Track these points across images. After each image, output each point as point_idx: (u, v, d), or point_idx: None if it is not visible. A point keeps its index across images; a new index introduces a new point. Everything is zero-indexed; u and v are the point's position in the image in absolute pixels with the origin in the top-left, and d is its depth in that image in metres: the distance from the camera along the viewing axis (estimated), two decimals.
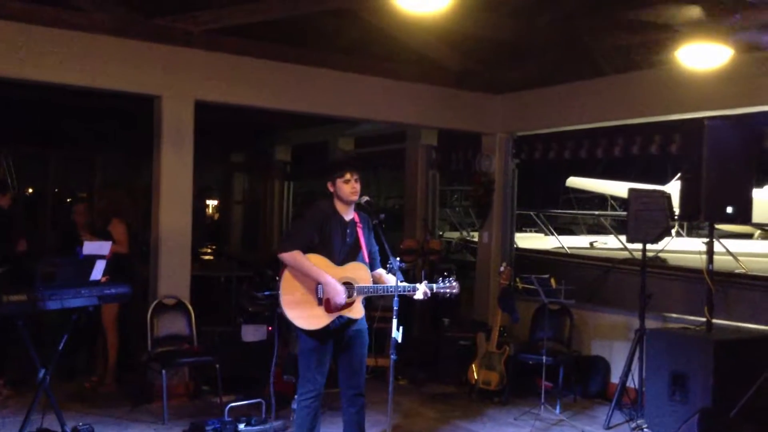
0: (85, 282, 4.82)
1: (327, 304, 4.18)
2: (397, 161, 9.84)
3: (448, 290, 4.30)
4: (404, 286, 4.21)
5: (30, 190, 12.64)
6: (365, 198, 4.35)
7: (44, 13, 5.57)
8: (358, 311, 4.27)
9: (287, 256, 4.20)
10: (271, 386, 5.24)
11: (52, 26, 5.60)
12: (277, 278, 6.89)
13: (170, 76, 6.17)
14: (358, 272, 4.26)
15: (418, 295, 4.24)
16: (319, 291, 4.17)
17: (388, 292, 4.15)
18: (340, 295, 4.15)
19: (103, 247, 5.21)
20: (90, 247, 5.17)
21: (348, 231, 4.32)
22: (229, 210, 13.92)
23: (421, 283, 4.28)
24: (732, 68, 5.55)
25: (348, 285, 4.21)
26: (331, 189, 4.35)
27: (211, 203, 15.04)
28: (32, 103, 8.89)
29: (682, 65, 5.51)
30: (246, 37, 6.46)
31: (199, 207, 12.09)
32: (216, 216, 15.10)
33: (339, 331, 4.26)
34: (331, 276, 4.16)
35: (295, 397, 5.60)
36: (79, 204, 7.03)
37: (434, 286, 4.29)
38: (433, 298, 4.37)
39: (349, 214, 4.37)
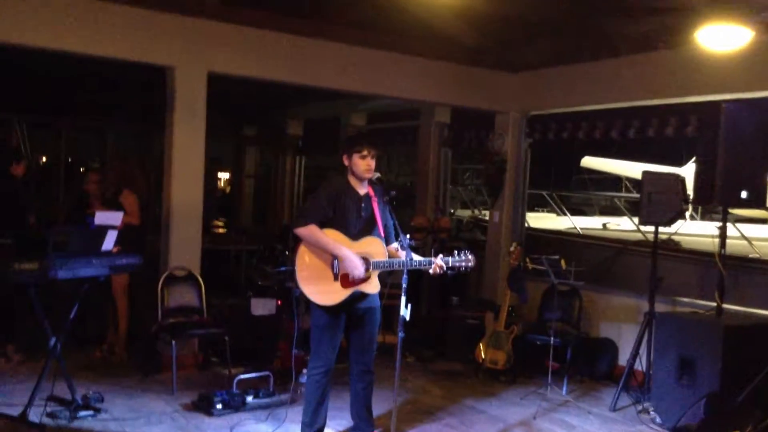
0: (97, 252, 4.85)
1: (343, 279, 4.18)
2: (410, 138, 9.79)
3: (464, 263, 4.30)
4: (420, 260, 4.21)
5: (43, 159, 12.68)
6: (376, 175, 4.33)
7: None
8: (374, 286, 4.27)
9: (303, 231, 4.19)
10: (292, 359, 5.25)
11: None
12: (287, 252, 6.97)
13: (184, 47, 6.14)
14: (374, 247, 4.25)
15: (433, 269, 4.24)
16: (335, 266, 4.17)
17: (403, 266, 4.12)
18: (358, 268, 4.14)
19: (115, 218, 5.24)
20: (102, 217, 5.20)
21: (363, 205, 4.31)
22: (241, 183, 13.93)
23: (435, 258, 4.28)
24: (751, 51, 5.46)
25: (364, 260, 4.20)
26: (346, 163, 4.34)
27: (223, 176, 15.07)
28: (45, 71, 8.88)
29: (700, 47, 5.43)
30: (260, 9, 6.40)
31: (210, 180, 12.10)
32: (227, 189, 15.13)
33: (353, 307, 4.26)
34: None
35: (304, 370, 5.67)
36: (93, 173, 7.04)
37: (450, 259, 4.28)
38: (444, 275, 4.37)
39: (363, 189, 4.36)
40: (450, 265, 4.28)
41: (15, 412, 4.73)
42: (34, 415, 4.72)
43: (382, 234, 4.30)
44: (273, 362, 6.36)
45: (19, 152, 7.44)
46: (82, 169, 13.25)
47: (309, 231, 4.19)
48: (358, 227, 4.26)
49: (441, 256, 4.31)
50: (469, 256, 4.31)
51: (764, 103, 5.90)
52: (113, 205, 6.21)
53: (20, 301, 5.89)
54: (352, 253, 4.15)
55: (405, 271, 4.06)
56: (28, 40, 5.54)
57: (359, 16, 7.01)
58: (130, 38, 5.90)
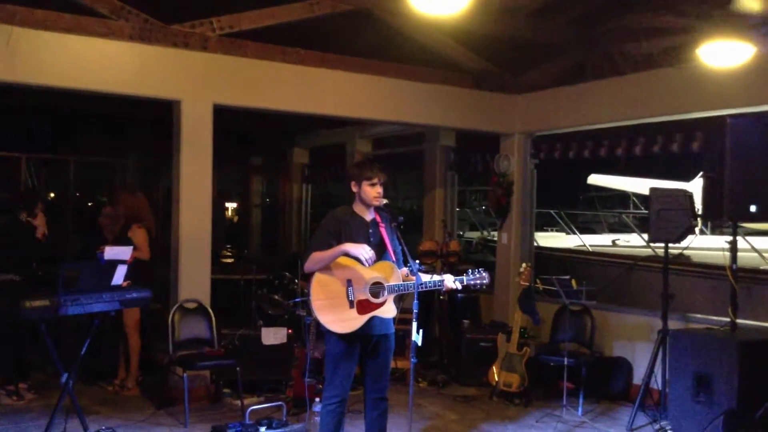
0: (107, 287, 4.86)
1: (359, 306, 4.16)
2: (416, 163, 9.82)
3: (478, 281, 4.29)
4: (433, 281, 4.21)
5: (51, 195, 12.77)
6: (384, 201, 4.34)
7: (63, 20, 5.62)
8: (389, 311, 4.25)
9: (308, 264, 4.20)
10: (305, 388, 5.22)
11: (72, 33, 5.65)
12: (297, 281, 6.96)
13: (189, 80, 6.21)
14: (387, 271, 4.24)
15: (450, 283, 4.24)
16: (350, 293, 4.16)
17: (418, 288, 4.09)
18: (364, 248, 4.11)
19: (124, 252, 5.25)
20: (111, 252, 5.21)
21: (371, 231, 4.31)
22: (248, 213, 13.97)
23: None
24: (753, 65, 5.47)
25: (378, 285, 4.19)
26: (355, 189, 4.34)
27: (230, 206, 15.12)
28: (50, 109, 8.98)
29: (703, 63, 5.45)
30: (264, 40, 6.49)
31: (218, 210, 12.16)
32: (235, 219, 15.17)
33: (368, 334, 4.23)
34: (359, 275, 4.15)
35: (316, 399, 5.65)
36: (107, 207, 7.07)
37: (464, 278, 4.27)
38: (454, 294, 4.36)
39: (369, 215, 4.36)
40: (465, 284, 4.27)
41: None
42: None
43: (393, 258, 4.30)
44: (285, 392, 6.33)
45: (36, 192, 7.47)
46: (90, 204, 13.33)
47: (312, 260, 4.19)
48: (369, 265, 4.24)
49: (452, 276, 4.30)
50: (483, 274, 4.30)
51: None
52: (122, 240, 6.23)
53: (31, 337, 5.90)
54: (351, 243, 4.13)
55: (416, 296, 4.04)
56: (33, 80, 5.60)
57: (363, 44, 7.10)
58: (136, 74, 5.96)
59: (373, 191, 4.28)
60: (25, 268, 6.29)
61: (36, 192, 7.94)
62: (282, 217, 12.77)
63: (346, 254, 4.16)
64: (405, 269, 4.35)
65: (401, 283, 4.22)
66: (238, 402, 6.03)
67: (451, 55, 7.40)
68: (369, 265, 4.14)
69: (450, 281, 4.26)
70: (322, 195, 13.21)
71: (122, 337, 6.52)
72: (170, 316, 6.12)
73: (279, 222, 12.89)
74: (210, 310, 6.30)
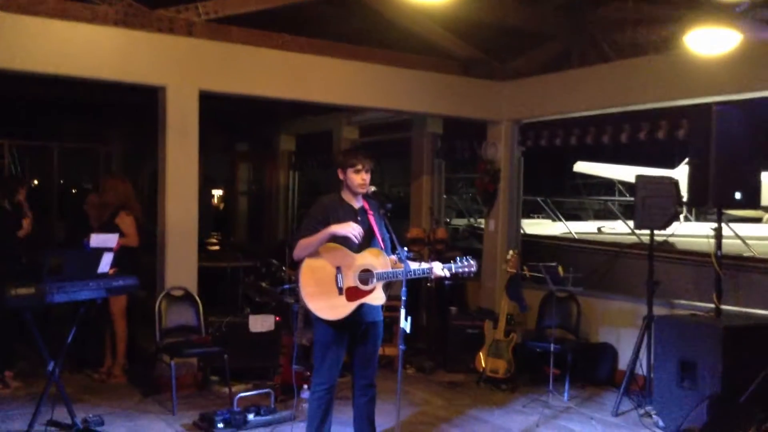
0: (93, 274, 4.83)
1: (348, 293, 4.16)
2: (402, 150, 9.81)
3: (466, 269, 4.30)
4: (422, 269, 4.21)
5: (35, 182, 12.66)
6: (372, 188, 4.34)
7: (47, 5, 5.55)
8: (378, 298, 4.25)
9: (296, 251, 4.19)
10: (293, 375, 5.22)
11: (56, 18, 5.58)
12: (284, 268, 6.96)
13: (174, 66, 6.15)
14: (376, 258, 4.23)
15: (438, 271, 4.24)
16: (339, 280, 4.16)
17: (406, 275, 4.10)
18: (351, 225, 4.10)
19: (110, 240, 5.23)
20: (97, 240, 5.18)
21: (359, 219, 4.30)
22: (234, 200, 13.93)
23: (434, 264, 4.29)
24: (740, 53, 5.49)
25: (367, 272, 4.19)
26: (342, 177, 4.33)
27: (216, 193, 15.05)
28: (35, 95, 8.89)
29: (690, 50, 5.46)
30: (250, 26, 6.44)
31: (204, 197, 12.10)
32: (221, 206, 15.11)
33: (357, 321, 4.24)
34: (348, 262, 4.15)
35: (304, 386, 5.65)
36: (92, 195, 7.01)
37: (452, 266, 4.28)
38: (442, 281, 4.38)
39: (357, 202, 4.35)
40: (453, 272, 4.28)
41: None
42: None
43: (382, 246, 4.30)
44: (273, 379, 6.34)
45: (19, 178, 7.41)
46: (74, 191, 13.23)
47: (299, 246, 4.18)
48: (357, 241, 4.25)
49: (441, 264, 4.31)
50: (471, 262, 4.31)
51: (754, 104, 5.95)
52: (110, 227, 6.18)
53: (16, 325, 5.86)
54: (336, 225, 4.12)
55: (404, 283, 4.05)
56: (17, 66, 5.53)
57: (349, 30, 7.07)
58: (121, 60, 5.90)
59: (357, 178, 4.27)
60: (10, 256, 6.24)
61: (18, 178, 7.84)
62: (268, 204, 12.74)
63: (334, 236, 4.15)
64: (393, 256, 4.35)
65: (390, 270, 4.22)
66: (226, 389, 6.03)
67: (439, 41, 7.39)
68: (358, 240, 4.14)
69: (438, 269, 4.27)
70: (308, 182, 13.17)
71: (109, 324, 6.48)
72: (157, 303, 6.10)
73: (265, 209, 12.86)
74: (197, 298, 6.28)
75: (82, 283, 4.68)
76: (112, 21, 5.82)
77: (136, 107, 8.13)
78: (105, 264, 4.93)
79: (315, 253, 4.19)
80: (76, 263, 4.81)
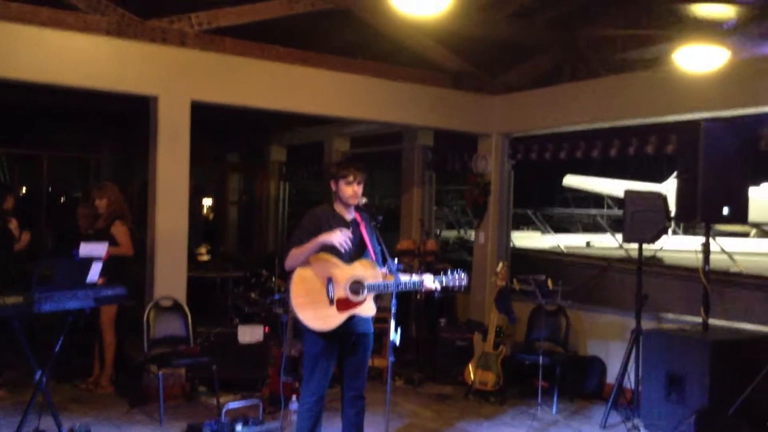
0: (82, 284, 4.81)
1: (339, 304, 4.17)
2: (393, 162, 9.84)
3: (457, 282, 4.31)
4: (412, 281, 4.22)
5: (23, 190, 12.62)
6: (363, 200, 4.35)
7: (40, 14, 5.55)
8: (369, 309, 4.26)
9: (288, 261, 4.20)
10: (281, 386, 5.21)
11: (49, 27, 5.58)
12: (274, 279, 6.95)
13: (166, 76, 6.16)
14: (367, 270, 4.24)
15: (429, 284, 4.25)
16: (329, 291, 4.16)
17: (397, 288, 4.11)
18: (336, 233, 4.10)
19: (99, 249, 5.20)
20: (86, 249, 5.16)
21: (351, 230, 4.31)
22: (225, 210, 13.90)
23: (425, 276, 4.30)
24: (728, 70, 5.57)
25: (358, 283, 4.20)
26: (334, 188, 4.35)
27: (207, 203, 15.02)
28: (26, 104, 8.86)
29: (678, 67, 5.53)
30: (242, 37, 6.46)
31: (194, 207, 12.07)
32: (211, 216, 15.07)
33: (347, 332, 4.24)
34: (340, 273, 4.16)
35: (293, 397, 5.64)
36: (83, 207, 6.96)
37: (444, 278, 4.29)
38: (432, 294, 4.40)
39: (349, 214, 4.37)
40: (444, 284, 4.29)
41: None
42: None
43: (374, 257, 4.31)
44: (262, 390, 6.31)
45: (7, 185, 7.38)
46: (62, 199, 13.18)
47: (290, 256, 4.19)
48: (349, 252, 4.26)
49: (432, 276, 4.31)
50: (462, 275, 4.32)
51: (742, 120, 6.02)
52: (105, 237, 6.15)
53: (4, 334, 5.82)
54: (326, 234, 4.12)
55: (394, 294, 4.06)
56: (8, 74, 5.53)
57: (341, 43, 7.11)
58: (113, 69, 5.91)
59: (349, 190, 4.29)
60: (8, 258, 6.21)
61: (5, 185, 7.78)
62: (259, 214, 12.72)
63: (325, 247, 4.15)
64: (384, 269, 4.36)
65: (381, 282, 4.23)
66: (214, 400, 6.00)
67: (430, 54, 7.43)
68: (346, 248, 4.14)
69: (429, 282, 4.28)
70: (299, 193, 13.17)
71: (97, 334, 6.45)
72: (146, 313, 6.07)
73: (256, 219, 12.84)
74: (186, 308, 6.26)
75: (70, 292, 4.65)
76: (105, 31, 5.83)
77: (128, 116, 8.12)
78: (94, 273, 4.91)
79: (306, 264, 4.20)
80: (65, 272, 4.78)
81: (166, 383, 5.81)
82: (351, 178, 4.28)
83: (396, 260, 4.28)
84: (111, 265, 5.70)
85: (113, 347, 6.44)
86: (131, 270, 6.64)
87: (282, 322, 6.03)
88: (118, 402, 6.10)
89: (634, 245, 6.21)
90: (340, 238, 4.11)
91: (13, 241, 6.42)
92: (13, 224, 6.46)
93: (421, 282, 4.25)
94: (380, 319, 4.62)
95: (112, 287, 4.98)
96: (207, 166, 13.26)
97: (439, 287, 4.28)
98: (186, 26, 6.15)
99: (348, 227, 4.30)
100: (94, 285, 4.89)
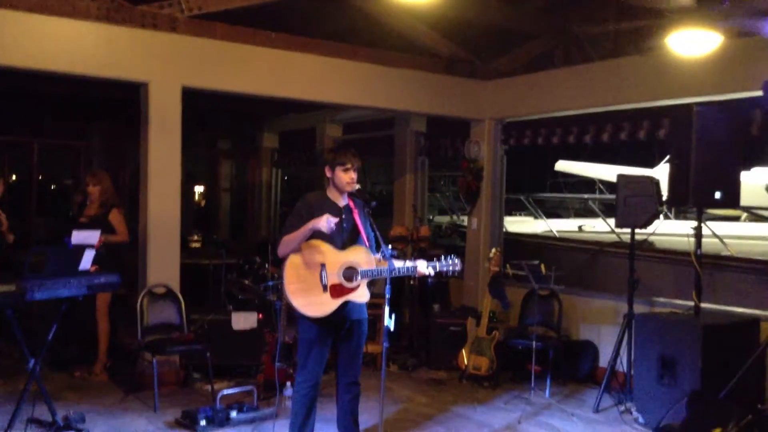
0: (74, 272, 4.79)
1: (332, 290, 4.17)
2: (386, 148, 9.81)
3: (450, 267, 4.31)
4: (406, 267, 4.22)
5: (13, 177, 12.53)
6: (357, 186, 4.34)
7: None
8: (363, 295, 4.26)
9: (280, 248, 4.21)
10: (275, 373, 5.22)
11: (36, 12, 5.52)
12: (267, 265, 6.94)
13: (157, 62, 6.11)
14: (360, 256, 4.24)
15: (423, 269, 4.24)
16: (323, 277, 4.16)
17: (391, 273, 4.10)
18: (328, 218, 4.08)
19: (92, 237, 5.18)
20: (79, 237, 5.13)
21: (343, 216, 4.31)
22: (217, 197, 13.85)
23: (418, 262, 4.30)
24: (721, 54, 5.56)
25: (351, 269, 4.20)
26: (329, 174, 4.34)
27: (198, 190, 14.96)
28: (14, 90, 8.78)
29: (671, 51, 5.52)
30: (233, 22, 6.41)
31: (186, 194, 12.03)
32: (203, 203, 15.03)
33: (341, 318, 4.24)
34: (333, 260, 4.16)
35: (287, 384, 5.66)
36: (79, 194, 6.93)
37: (437, 264, 4.29)
38: (425, 279, 4.41)
39: (342, 201, 4.36)
40: (438, 270, 4.29)
41: None
42: None
43: (367, 244, 4.31)
44: (256, 376, 6.33)
45: None
46: (53, 187, 13.10)
47: (283, 243, 4.20)
48: (342, 238, 4.26)
49: (426, 262, 4.32)
50: (456, 260, 4.33)
51: (735, 105, 6.02)
52: (103, 225, 6.13)
53: None
54: (317, 219, 4.10)
55: (388, 281, 4.06)
56: (6, 61, 5.47)
57: (333, 28, 7.07)
58: (103, 55, 5.85)
59: (346, 177, 4.28)
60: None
61: None
62: (251, 201, 12.69)
63: (319, 233, 4.15)
64: (378, 255, 4.36)
65: (374, 268, 4.23)
66: (209, 387, 6.01)
67: (423, 40, 7.40)
68: (331, 229, 4.12)
69: (423, 267, 4.28)
70: (291, 179, 13.13)
71: (93, 321, 6.42)
72: (139, 301, 6.07)
73: (248, 206, 12.81)
74: (179, 295, 6.25)
75: (63, 280, 4.64)
76: (94, 16, 5.77)
77: (118, 103, 8.06)
78: (86, 261, 4.89)
79: (299, 250, 4.19)
80: (58, 260, 4.77)
81: (160, 370, 5.81)
82: (348, 165, 4.27)
83: (390, 246, 4.28)
84: (106, 253, 5.68)
85: (107, 334, 6.44)
86: (125, 257, 6.63)
87: (276, 309, 6.03)
88: (113, 389, 6.10)
89: (626, 230, 6.23)
90: (327, 223, 4.09)
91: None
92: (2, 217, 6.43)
93: (415, 267, 4.26)
94: (374, 305, 4.63)
95: (104, 275, 4.97)
96: (199, 153, 13.20)
97: (432, 272, 4.29)
98: (176, 11, 6.10)
99: (341, 214, 4.30)
100: (86, 272, 4.88)
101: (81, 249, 4.90)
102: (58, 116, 10.86)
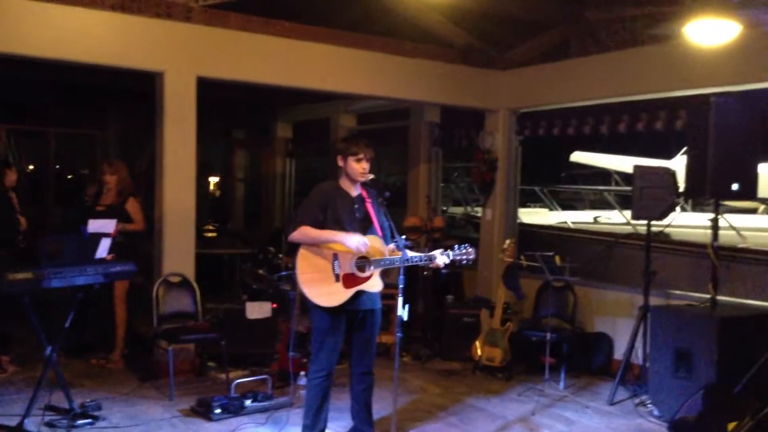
0: (91, 260, 4.83)
1: (345, 280, 4.18)
2: (400, 138, 9.79)
3: (464, 256, 4.31)
4: (420, 256, 4.22)
5: (30, 167, 12.63)
6: (370, 176, 4.34)
7: None
8: (375, 285, 4.26)
9: (296, 234, 4.20)
10: (290, 362, 5.25)
11: (53, 2, 5.55)
12: (281, 255, 6.96)
13: (172, 52, 6.13)
14: (374, 246, 4.25)
15: (440, 261, 4.25)
16: (335, 267, 4.16)
17: (404, 263, 4.11)
18: (361, 240, 4.11)
19: (108, 225, 5.23)
20: (95, 225, 5.18)
21: (356, 206, 4.31)
22: (231, 187, 13.90)
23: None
24: (739, 44, 5.49)
25: (363, 259, 4.20)
26: (341, 164, 4.34)
27: (213, 180, 15.02)
28: (32, 80, 8.84)
29: (688, 41, 5.45)
30: (248, 12, 6.41)
31: (201, 184, 12.08)
32: (218, 193, 15.08)
33: (354, 308, 4.25)
34: (346, 250, 4.16)
35: (301, 373, 5.68)
36: (90, 186, 6.99)
37: (451, 253, 4.29)
38: (439, 270, 4.41)
39: (355, 190, 4.36)
40: (451, 258, 4.29)
41: (12, 422, 4.70)
42: (32, 425, 4.71)
43: (380, 233, 4.30)
44: (270, 365, 6.36)
45: (8, 161, 7.38)
46: (69, 177, 13.19)
47: (301, 232, 4.19)
48: (354, 228, 4.26)
49: (441, 250, 4.31)
50: (470, 249, 4.32)
51: (753, 95, 5.95)
52: (120, 214, 6.18)
53: (14, 310, 5.86)
54: (345, 233, 4.13)
55: (401, 271, 4.06)
56: (14, 50, 5.51)
57: (348, 17, 7.04)
58: (118, 45, 5.88)
59: (359, 167, 4.28)
60: (8, 241, 6.22)
61: (5, 160, 7.76)
62: (265, 191, 12.72)
63: (334, 220, 4.17)
64: (391, 245, 4.36)
65: (387, 257, 4.23)
66: (223, 375, 6.04)
67: (438, 30, 7.37)
68: (360, 251, 4.14)
69: (440, 257, 4.27)
70: (305, 169, 13.13)
71: (111, 309, 6.47)
72: (155, 289, 6.10)
73: (262, 196, 12.84)
74: (194, 284, 6.29)
75: (79, 268, 4.68)
76: (110, 6, 5.79)
77: (134, 93, 8.09)
78: (103, 249, 4.94)
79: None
80: (74, 248, 4.81)
81: (175, 359, 5.85)
82: (361, 155, 4.27)
83: (404, 237, 4.28)
84: (122, 242, 5.72)
85: (124, 322, 6.49)
86: (141, 246, 6.67)
87: (290, 298, 6.05)
88: (129, 377, 6.15)
89: (642, 222, 6.19)
90: (359, 246, 4.11)
91: (16, 215, 6.44)
92: (14, 201, 6.48)
93: (428, 257, 4.25)
94: (388, 296, 4.64)
95: (120, 263, 5.01)
96: (213, 143, 13.23)
97: (447, 261, 4.28)
98: (191, 1, 6.10)
99: (353, 203, 4.31)
100: (103, 261, 4.92)
101: (97, 237, 4.94)
102: (73, 105, 10.92)
